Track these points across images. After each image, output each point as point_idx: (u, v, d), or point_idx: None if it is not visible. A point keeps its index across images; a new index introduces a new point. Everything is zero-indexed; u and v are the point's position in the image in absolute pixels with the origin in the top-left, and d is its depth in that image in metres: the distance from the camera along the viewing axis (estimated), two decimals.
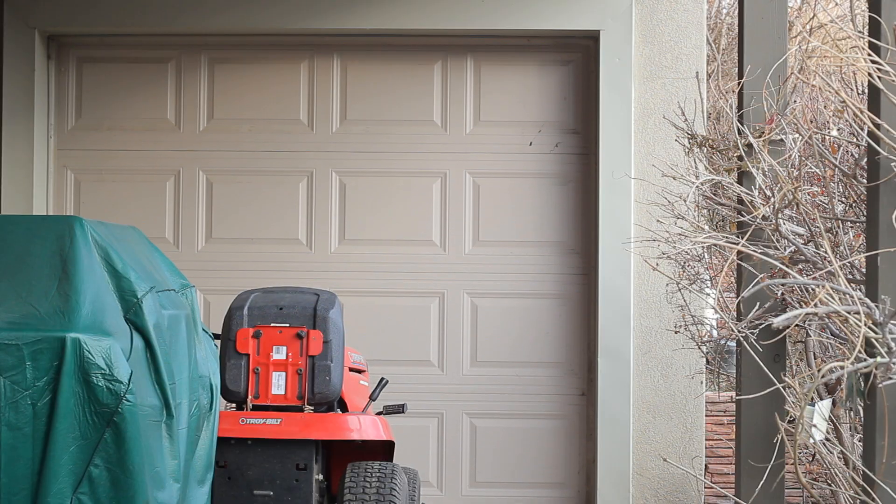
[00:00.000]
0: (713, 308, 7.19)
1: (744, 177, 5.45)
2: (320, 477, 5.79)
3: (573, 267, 8.03)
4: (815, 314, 4.56)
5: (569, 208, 8.00)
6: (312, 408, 5.72)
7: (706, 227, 6.45)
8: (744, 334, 5.13)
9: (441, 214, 8.04)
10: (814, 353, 5.91)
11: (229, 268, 7.99)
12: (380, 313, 8.01)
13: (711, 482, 7.84)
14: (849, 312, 4.05)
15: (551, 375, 7.99)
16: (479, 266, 8.03)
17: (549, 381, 7.99)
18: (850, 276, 4.93)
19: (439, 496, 7.99)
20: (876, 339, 4.01)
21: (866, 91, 4.58)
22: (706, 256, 6.61)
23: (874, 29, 4.30)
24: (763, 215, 5.09)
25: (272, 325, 5.79)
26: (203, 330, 5.63)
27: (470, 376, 8.03)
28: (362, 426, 5.79)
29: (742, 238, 4.93)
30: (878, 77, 4.21)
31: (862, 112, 4.41)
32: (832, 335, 5.38)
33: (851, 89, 5.59)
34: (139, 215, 7.89)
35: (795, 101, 5.66)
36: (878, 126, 4.22)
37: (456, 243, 8.04)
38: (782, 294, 5.21)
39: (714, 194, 5.85)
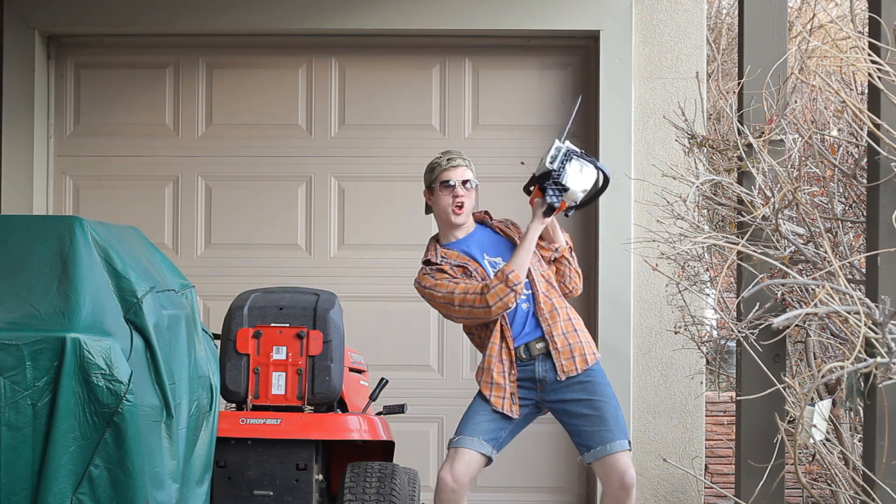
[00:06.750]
0: (713, 308, 7.19)
1: (744, 177, 5.45)
2: (320, 477, 5.78)
3: None
4: (815, 314, 4.56)
5: None
6: (312, 408, 5.72)
7: (706, 228, 6.44)
8: (744, 334, 5.13)
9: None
10: (814, 353, 5.91)
11: (229, 273, 7.95)
12: (379, 318, 7.97)
13: (711, 482, 7.84)
14: (849, 312, 4.05)
15: None
16: None
17: None
18: (850, 276, 4.93)
19: None
20: (876, 339, 4.01)
21: (866, 91, 4.59)
22: (706, 256, 6.61)
23: (874, 29, 4.30)
24: (763, 215, 5.10)
25: (272, 325, 5.78)
26: (203, 330, 5.63)
27: (470, 381, 8.00)
28: (362, 426, 5.78)
29: (742, 238, 4.93)
30: (878, 77, 4.21)
31: (862, 112, 4.41)
32: (832, 335, 5.39)
33: (851, 89, 5.60)
34: (138, 221, 7.85)
35: (795, 102, 5.66)
36: (878, 126, 4.22)
37: None
38: (782, 294, 5.21)
39: (714, 194, 5.85)
